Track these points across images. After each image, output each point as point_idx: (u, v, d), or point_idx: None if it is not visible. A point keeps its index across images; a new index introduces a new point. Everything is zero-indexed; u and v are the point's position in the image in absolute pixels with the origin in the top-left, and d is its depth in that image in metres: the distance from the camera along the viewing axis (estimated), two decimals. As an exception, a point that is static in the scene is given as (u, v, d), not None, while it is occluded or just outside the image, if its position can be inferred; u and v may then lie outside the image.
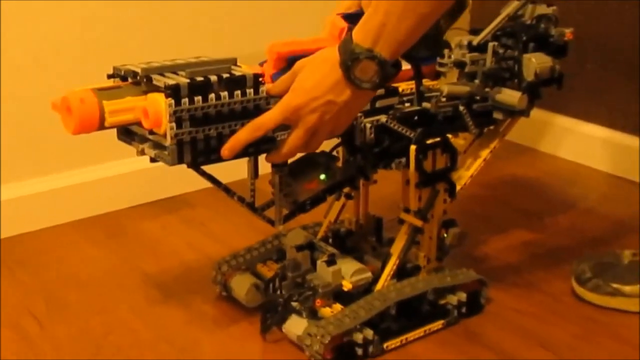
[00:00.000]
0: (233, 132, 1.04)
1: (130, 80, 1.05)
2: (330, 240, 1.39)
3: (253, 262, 1.35)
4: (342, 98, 1.03)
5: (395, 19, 0.97)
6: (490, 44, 1.29)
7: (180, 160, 1.02)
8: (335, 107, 1.03)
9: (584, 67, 1.88)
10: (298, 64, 1.07)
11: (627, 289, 1.31)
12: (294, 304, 1.21)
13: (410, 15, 0.98)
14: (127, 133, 1.08)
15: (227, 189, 1.13)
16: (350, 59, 1.00)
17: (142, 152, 1.07)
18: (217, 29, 1.74)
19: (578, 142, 1.94)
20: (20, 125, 1.55)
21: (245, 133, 1.04)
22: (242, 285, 1.30)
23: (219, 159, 1.06)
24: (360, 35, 1.00)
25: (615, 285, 1.32)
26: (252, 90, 1.05)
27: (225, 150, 1.04)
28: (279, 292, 1.23)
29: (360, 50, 0.99)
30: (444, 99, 1.26)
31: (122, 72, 1.06)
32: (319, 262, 1.22)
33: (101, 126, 1.00)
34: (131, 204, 1.70)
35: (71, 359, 1.20)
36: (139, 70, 1.03)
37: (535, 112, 1.89)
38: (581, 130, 1.93)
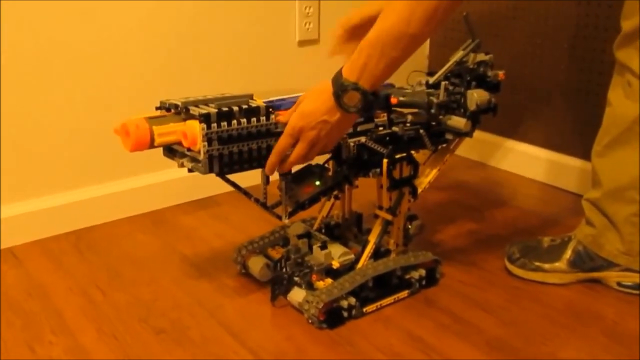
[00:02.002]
0: (250, 149, 1.04)
1: (172, 110, 1.05)
2: (323, 230, 1.36)
3: (265, 247, 1.34)
4: (334, 119, 1.04)
5: (374, 61, 0.99)
6: (443, 83, 1.27)
7: (211, 170, 1.02)
8: (328, 126, 1.05)
9: (514, 97, 1.88)
10: (300, 97, 1.08)
11: (546, 266, 1.30)
12: (296, 278, 1.20)
13: (385, 59, 0.99)
14: (170, 150, 1.08)
15: (246, 192, 1.13)
16: (340, 89, 1.02)
17: (181, 165, 1.06)
18: (237, 71, 1.72)
19: (512, 156, 1.92)
20: (92, 136, 1.53)
21: (273, 157, 1.08)
22: (256, 264, 1.29)
23: (239, 169, 1.06)
24: (348, 72, 1.02)
25: (537, 263, 1.31)
26: (264, 117, 1.05)
27: (267, 171, 1.10)
28: (284, 269, 1.22)
29: (347, 83, 1.01)
30: (408, 125, 1.26)
31: (167, 105, 1.06)
32: (314, 247, 1.22)
33: (151, 145, 1.01)
34: (173, 203, 1.68)
35: (128, 321, 1.19)
36: (179, 103, 1.03)
37: (482, 135, 1.92)
38: (514, 147, 1.92)
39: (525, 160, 1.89)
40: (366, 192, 1.30)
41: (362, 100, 1.02)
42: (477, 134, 1.38)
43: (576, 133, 1.75)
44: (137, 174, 1.62)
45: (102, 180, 1.58)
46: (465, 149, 1.86)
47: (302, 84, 1.82)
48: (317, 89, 1.06)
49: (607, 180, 1.25)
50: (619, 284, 1.27)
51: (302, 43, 1.79)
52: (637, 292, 1.26)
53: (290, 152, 1.09)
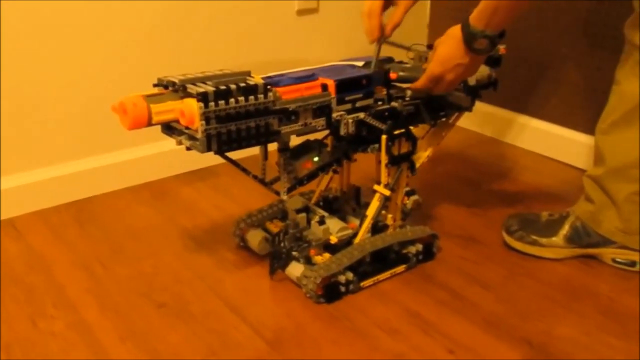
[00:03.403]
0: (248, 127, 1.04)
1: (170, 88, 1.04)
2: (321, 204, 1.37)
3: (263, 220, 1.34)
4: (466, 61, 1.14)
5: (500, 12, 1.07)
6: (443, 57, 1.28)
7: (209, 149, 1.02)
8: (462, 68, 1.15)
9: (520, 70, 1.86)
10: (435, 43, 1.19)
11: (543, 240, 1.31)
12: (294, 253, 1.21)
13: (509, 10, 1.07)
14: (169, 128, 1.08)
15: (244, 169, 1.12)
16: (470, 38, 1.10)
17: (180, 143, 1.05)
18: (236, 40, 1.71)
19: (516, 129, 1.91)
20: (91, 107, 1.53)
21: (419, 85, 1.21)
22: (255, 238, 1.29)
23: (238, 147, 1.05)
24: (476, 20, 1.09)
25: (534, 237, 1.31)
26: (262, 95, 1.04)
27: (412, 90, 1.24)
28: (282, 244, 1.23)
29: (476, 31, 1.09)
30: (407, 100, 1.25)
31: (164, 82, 1.05)
32: (312, 222, 1.22)
33: (149, 123, 1.00)
34: (172, 173, 1.68)
35: (129, 295, 1.20)
36: (177, 81, 1.02)
37: (485, 107, 1.90)
38: (516, 119, 1.92)
39: (529, 134, 1.88)
40: (365, 165, 1.30)
41: (490, 44, 1.11)
42: (479, 105, 1.37)
43: (584, 108, 1.73)
44: (137, 145, 1.61)
45: (102, 150, 1.58)
46: (468, 121, 1.85)
47: (301, 53, 1.81)
48: (448, 36, 1.15)
49: (610, 158, 1.25)
50: (614, 260, 1.28)
51: (301, 12, 1.77)
52: (632, 268, 1.27)
53: (286, 130, 1.09)
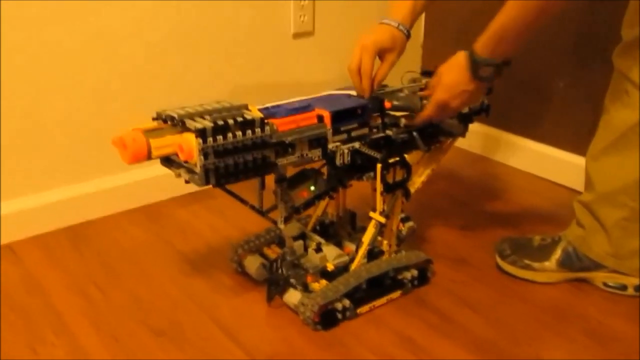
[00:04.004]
0: (245, 161, 1.06)
1: (169, 122, 1.06)
2: (318, 228, 1.40)
3: (261, 245, 1.36)
4: (471, 88, 1.18)
5: (505, 41, 1.12)
6: (437, 85, 1.31)
7: (207, 183, 1.04)
8: (467, 94, 1.19)
9: (512, 91, 1.89)
10: (439, 71, 1.22)
11: (536, 265, 1.33)
12: (292, 280, 1.24)
13: (516, 39, 1.11)
14: (168, 160, 1.09)
15: (242, 200, 1.15)
16: (476, 66, 1.14)
17: (178, 175, 1.08)
18: (232, 63, 1.73)
19: (509, 149, 1.95)
20: (88, 132, 1.55)
21: (426, 114, 1.25)
22: (252, 264, 1.31)
23: (235, 180, 1.07)
24: (481, 49, 1.13)
25: (527, 261, 1.34)
26: (259, 129, 1.06)
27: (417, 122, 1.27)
28: (280, 270, 1.25)
29: (481, 59, 1.14)
30: (402, 127, 1.28)
31: (163, 116, 1.07)
32: (309, 250, 1.25)
33: (149, 158, 1.02)
34: (168, 196, 1.69)
35: (127, 321, 1.22)
36: (175, 115, 1.04)
37: (479, 127, 1.93)
38: (510, 140, 1.95)
39: (520, 153, 1.91)
40: (360, 189, 1.32)
41: (495, 72, 1.15)
42: (475, 126, 1.40)
43: (574, 129, 1.76)
44: (132, 169, 1.60)
45: (98, 175, 1.60)
46: (459, 140, 1.87)
47: (297, 76, 1.83)
48: (453, 63, 1.19)
49: (600, 184, 1.27)
50: (605, 284, 1.31)
51: (297, 35, 1.79)
52: (623, 292, 1.30)
53: (282, 162, 1.12)
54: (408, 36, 1.29)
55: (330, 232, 1.40)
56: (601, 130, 1.28)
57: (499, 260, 1.38)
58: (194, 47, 1.64)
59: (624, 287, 1.30)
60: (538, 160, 1.85)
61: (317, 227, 1.40)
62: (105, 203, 1.61)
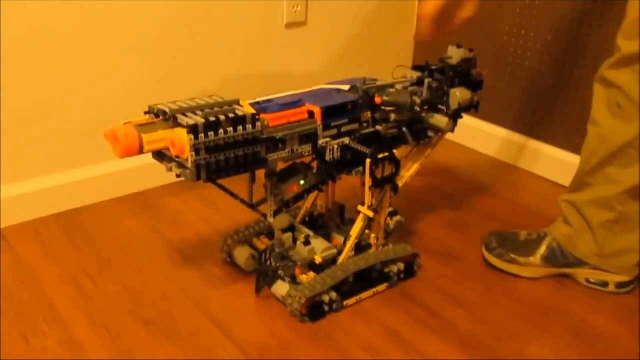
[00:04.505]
0: (236, 156, 1.08)
1: (161, 117, 1.08)
2: (307, 220, 1.42)
3: (250, 236, 1.38)
4: None
5: None
6: (427, 80, 1.31)
7: (198, 178, 1.05)
8: None
9: (504, 86, 1.91)
10: None
11: (521, 259, 1.36)
12: (280, 272, 1.26)
13: None
14: (160, 154, 1.10)
15: (232, 194, 1.16)
16: None
17: (170, 169, 1.08)
18: (225, 53, 1.74)
19: (492, 140, 1.98)
20: (80, 119, 1.56)
21: None
22: (242, 255, 1.33)
23: (226, 175, 1.08)
24: None
25: (513, 256, 1.37)
26: (250, 125, 1.07)
27: None
28: (269, 262, 1.27)
29: None
30: (391, 122, 1.29)
31: (155, 110, 1.08)
32: (298, 242, 1.26)
33: (140, 152, 1.03)
34: (160, 184, 1.70)
35: (118, 311, 1.24)
36: (167, 110, 1.05)
37: (468, 120, 1.94)
38: (491, 131, 1.98)
39: (510, 148, 1.93)
40: (349, 182, 1.34)
41: None
42: (465, 119, 1.40)
43: (563, 125, 1.79)
44: None
45: (90, 162, 1.61)
46: (451, 134, 1.89)
47: (289, 66, 1.84)
48: None
49: (594, 190, 1.28)
50: (587, 280, 1.34)
51: (290, 25, 1.80)
52: (604, 289, 1.33)
53: (273, 157, 1.13)
54: None
55: (319, 223, 1.42)
56: (592, 144, 1.27)
57: (485, 252, 1.41)
58: (187, 38, 1.65)
59: (605, 284, 1.33)
60: (527, 155, 1.88)
61: (307, 219, 1.42)
62: (97, 190, 1.62)
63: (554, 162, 1.80)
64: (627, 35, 1.16)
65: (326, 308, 1.23)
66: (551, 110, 1.80)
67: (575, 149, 1.74)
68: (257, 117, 1.08)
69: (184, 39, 1.65)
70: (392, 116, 1.30)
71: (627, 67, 1.17)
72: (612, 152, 1.23)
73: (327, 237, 1.34)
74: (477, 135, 1.99)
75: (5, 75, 1.42)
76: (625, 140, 1.20)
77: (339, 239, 1.35)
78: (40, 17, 1.43)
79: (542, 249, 1.35)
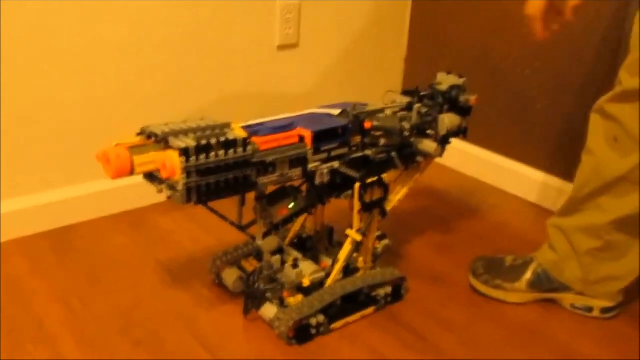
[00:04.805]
0: (227, 179, 1.09)
1: (153, 139, 1.09)
2: (296, 241, 1.43)
3: (239, 258, 1.39)
4: None
5: None
6: (416, 106, 1.33)
7: (189, 201, 1.06)
8: None
9: (497, 110, 1.94)
10: None
11: (507, 285, 1.38)
12: (268, 294, 1.26)
13: None
14: (150, 176, 1.11)
15: (222, 216, 1.17)
16: None
17: (160, 191, 1.09)
18: (217, 74, 1.75)
19: (482, 164, 2.00)
20: (72, 136, 1.57)
21: None
22: (230, 276, 1.34)
23: (216, 198, 1.09)
24: None
25: (498, 281, 1.38)
26: (241, 149, 1.09)
27: None
28: (257, 284, 1.27)
29: None
30: (381, 147, 1.31)
31: (148, 132, 1.09)
32: (286, 265, 1.27)
33: (132, 173, 1.05)
34: (150, 202, 1.71)
35: (107, 331, 1.24)
36: (159, 133, 1.07)
37: (459, 144, 1.96)
38: (479, 154, 2.00)
39: (498, 172, 1.95)
40: (338, 204, 1.35)
41: None
42: (453, 142, 1.42)
43: (550, 151, 1.81)
44: None
45: (80, 180, 1.62)
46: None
47: (281, 87, 1.86)
48: None
49: (585, 219, 1.30)
50: (572, 305, 1.36)
51: (282, 47, 1.82)
52: (588, 314, 1.35)
53: (263, 180, 1.14)
54: None
55: (307, 246, 1.43)
56: (586, 173, 1.28)
57: (471, 279, 1.42)
58: (180, 59, 1.67)
59: (590, 309, 1.35)
60: (515, 179, 1.90)
61: (295, 241, 1.43)
62: (87, 208, 1.63)
63: (541, 187, 1.82)
64: (631, 71, 1.16)
65: (313, 331, 1.24)
66: (539, 134, 1.83)
67: (562, 174, 1.77)
68: (248, 140, 1.10)
69: (177, 60, 1.66)
70: (382, 141, 1.31)
71: (628, 103, 1.18)
72: (606, 183, 1.24)
73: (316, 260, 1.36)
74: (465, 158, 2.02)
75: (4, 91, 1.43)
76: (620, 173, 1.22)
77: (327, 261, 1.36)
78: (35, 35, 1.44)
79: (528, 275, 1.37)
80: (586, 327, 1.32)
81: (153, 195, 1.67)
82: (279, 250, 1.32)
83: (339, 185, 1.26)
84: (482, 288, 1.40)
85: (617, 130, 1.21)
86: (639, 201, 1.22)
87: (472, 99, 1.40)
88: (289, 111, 1.30)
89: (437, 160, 1.46)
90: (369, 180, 1.26)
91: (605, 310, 1.35)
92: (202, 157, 1.05)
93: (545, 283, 1.36)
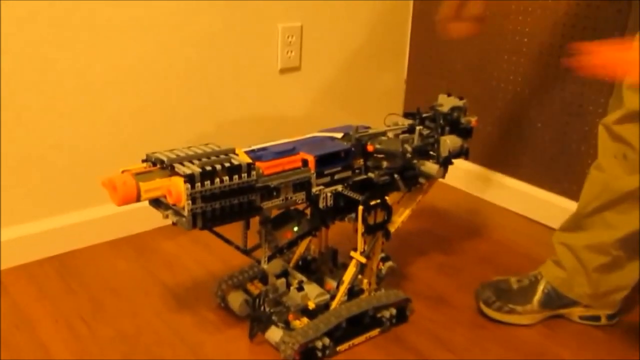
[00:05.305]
0: (232, 205, 1.10)
1: (158, 165, 1.10)
2: (300, 264, 1.44)
3: (244, 281, 1.39)
4: None
5: None
6: (418, 128, 1.35)
7: (194, 227, 1.07)
8: None
9: (499, 130, 1.96)
10: None
11: (519, 308, 1.38)
12: (274, 317, 1.27)
13: None
14: (156, 202, 1.13)
15: (227, 240, 1.18)
16: None
17: (166, 217, 1.11)
18: (219, 97, 1.77)
19: (485, 184, 2.01)
20: (75, 162, 1.59)
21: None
22: (236, 300, 1.35)
23: (221, 223, 1.10)
24: None
25: (511, 306, 1.38)
26: (246, 174, 1.10)
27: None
28: (262, 307, 1.28)
29: None
30: (383, 169, 1.32)
31: (153, 159, 1.11)
32: (291, 288, 1.28)
33: (138, 200, 1.06)
34: (154, 226, 1.72)
35: (112, 356, 1.24)
36: (165, 159, 1.08)
37: (462, 163, 1.98)
38: (480, 173, 2.02)
39: (500, 191, 1.96)
40: (342, 226, 1.35)
41: None
42: (456, 162, 1.44)
43: (552, 169, 1.83)
44: None
45: (84, 205, 1.63)
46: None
47: (283, 111, 1.88)
48: None
49: (593, 235, 1.32)
50: (580, 317, 1.39)
51: (284, 71, 1.84)
52: (596, 323, 1.39)
53: (267, 205, 1.16)
54: None
55: (312, 268, 1.44)
56: (594, 188, 1.30)
57: (484, 308, 1.41)
58: (182, 83, 1.69)
59: (597, 318, 1.39)
60: (517, 198, 1.91)
61: (300, 263, 1.44)
62: (92, 233, 1.64)
63: (544, 205, 1.83)
64: (634, 90, 1.18)
65: (319, 354, 1.24)
66: (539, 153, 1.84)
67: (565, 192, 1.78)
68: (252, 165, 1.12)
69: (180, 85, 1.68)
70: (384, 163, 1.33)
71: (632, 122, 1.20)
72: (614, 199, 1.26)
73: (320, 282, 1.36)
74: (467, 176, 2.03)
75: (3, 117, 1.45)
76: (629, 189, 1.24)
77: (331, 283, 1.36)
78: (37, 63, 1.46)
79: (538, 295, 1.38)
80: (590, 346, 1.33)
81: (157, 219, 1.68)
82: (284, 273, 1.34)
83: (342, 208, 1.27)
84: (497, 315, 1.40)
85: (626, 150, 1.23)
86: None
87: (473, 120, 1.41)
88: (291, 134, 1.32)
89: (440, 179, 1.48)
90: (372, 203, 1.27)
91: (611, 317, 1.39)
92: (207, 183, 1.06)
93: (555, 300, 1.38)
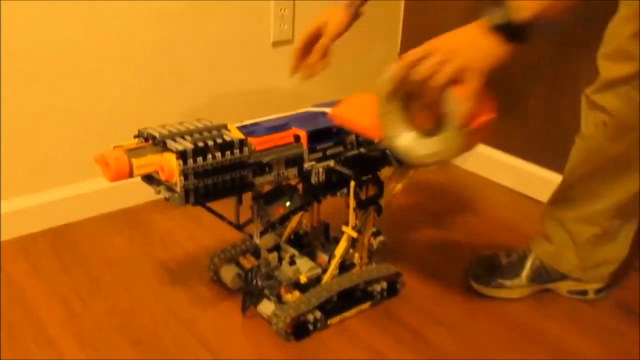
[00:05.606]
0: (224, 181, 1.11)
1: (150, 141, 1.11)
2: (292, 238, 1.44)
3: (237, 255, 1.41)
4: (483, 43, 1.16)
5: None
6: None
7: (187, 202, 1.08)
8: (472, 50, 1.18)
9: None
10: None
11: (507, 282, 1.39)
12: (266, 291, 1.29)
13: None
14: (149, 178, 1.14)
15: (220, 215, 1.19)
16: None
17: (158, 192, 1.11)
18: (211, 71, 1.77)
19: (476, 157, 2.01)
20: (69, 136, 1.59)
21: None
22: (228, 273, 1.36)
23: (214, 199, 1.11)
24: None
25: (499, 280, 1.40)
26: (238, 150, 1.11)
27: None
28: (255, 281, 1.30)
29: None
30: (375, 145, 1.32)
31: (145, 135, 1.11)
32: (283, 262, 1.30)
33: (130, 176, 1.07)
34: (148, 199, 1.71)
35: (107, 331, 1.26)
36: (157, 135, 1.09)
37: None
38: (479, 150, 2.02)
39: (493, 166, 1.97)
40: (334, 201, 1.36)
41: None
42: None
43: (543, 143, 1.84)
44: None
45: (78, 178, 1.64)
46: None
47: (276, 84, 1.87)
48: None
49: (582, 204, 1.33)
50: (568, 291, 1.40)
51: (277, 44, 1.84)
52: (584, 297, 1.40)
53: (260, 180, 1.17)
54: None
55: (304, 242, 1.45)
56: (580, 156, 1.31)
57: (473, 283, 1.42)
58: (174, 57, 1.68)
59: (585, 292, 1.40)
60: (508, 172, 1.92)
61: (292, 237, 1.45)
62: (85, 206, 1.65)
63: (535, 179, 1.84)
64: (610, 57, 1.20)
65: (311, 327, 1.26)
66: (530, 127, 1.85)
67: (556, 167, 1.79)
68: (244, 141, 1.12)
69: (171, 58, 1.68)
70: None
71: (609, 90, 1.21)
72: (597, 167, 1.27)
73: (312, 256, 1.37)
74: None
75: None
76: (611, 156, 1.25)
77: (323, 257, 1.38)
78: (33, 37, 1.45)
79: (526, 269, 1.40)
80: (578, 321, 1.35)
81: (151, 193, 1.67)
82: (276, 248, 1.35)
83: (334, 183, 1.28)
84: (485, 290, 1.41)
85: (604, 117, 1.24)
86: (631, 185, 1.26)
87: (466, 95, 1.41)
88: (284, 107, 1.32)
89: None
90: (364, 178, 1.28)
91: (598, 292, 1.40)
92: (200, 159, 1.07)
93: (544, 275, 1.39)
